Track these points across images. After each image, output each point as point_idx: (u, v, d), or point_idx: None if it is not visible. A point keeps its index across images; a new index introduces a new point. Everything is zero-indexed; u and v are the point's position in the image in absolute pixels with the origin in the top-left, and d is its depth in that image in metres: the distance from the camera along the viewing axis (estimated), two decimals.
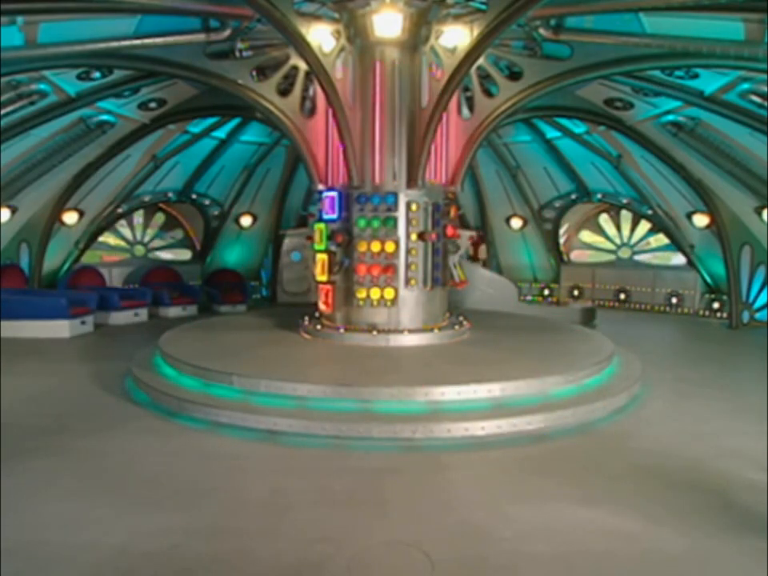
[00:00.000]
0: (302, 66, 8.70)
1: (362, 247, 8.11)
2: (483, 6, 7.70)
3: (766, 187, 10.72)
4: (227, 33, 8.66)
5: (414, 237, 8.15)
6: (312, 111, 9.07)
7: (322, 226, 8.45)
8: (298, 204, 15.66)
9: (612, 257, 15.47)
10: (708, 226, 12.62)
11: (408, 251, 8.14)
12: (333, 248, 8.32)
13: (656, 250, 14.92)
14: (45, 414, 6.23)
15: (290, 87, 8.97)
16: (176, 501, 4.21)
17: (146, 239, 15.47)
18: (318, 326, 8.46)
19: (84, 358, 9.05)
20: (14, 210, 11.50)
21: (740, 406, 6.59)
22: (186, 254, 15.88)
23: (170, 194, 14.49)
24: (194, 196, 14.80)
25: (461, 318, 8.93)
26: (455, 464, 4.93)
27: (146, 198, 14.21)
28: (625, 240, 15.27)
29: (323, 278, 8.40)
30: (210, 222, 15.41)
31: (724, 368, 8.57)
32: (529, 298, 15.23)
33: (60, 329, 10.44)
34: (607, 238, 15.59)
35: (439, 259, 8.36)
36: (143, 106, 11.02)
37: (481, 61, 8.31)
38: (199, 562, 3.45)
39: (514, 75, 9.10)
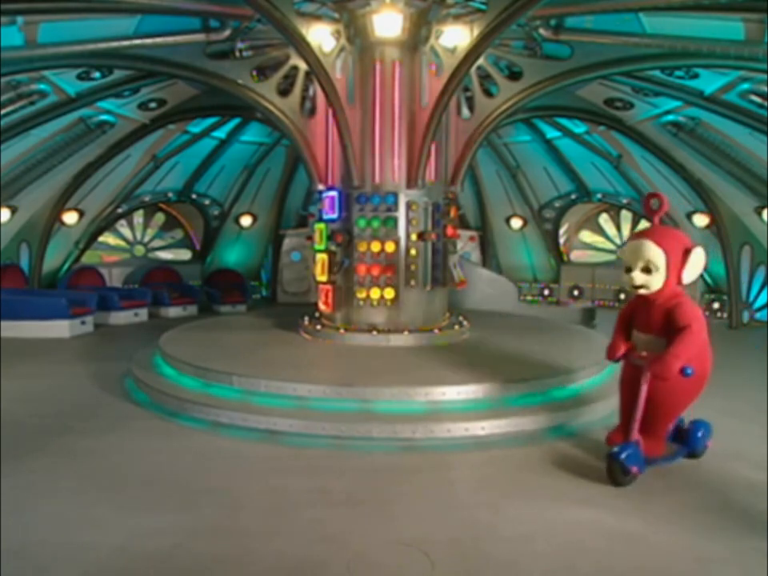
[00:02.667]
0: (302, 65, 8.69)
1: (362, 247, 8.11)
2: (483, 6, 7.70)
3: (765, 187, 10.72)
4: (227, 33, 8.66)
5: (414, 237, 8.15)
6: (312, 111, 9.07)
7: (322, 225, 8.45)
8: (297, 204, 15.67)
9: (612, 257, 15.47)
10: (708, 226, 12.62)
11: (408, 251, 8.14)
12: (333, 248, 8.32)
13: None
14: (45, 413, 6.22)
15: (290, 87, 8.97)
16: (176, 501, 4.21)
17: (146, 239, 15.48)
18: (318, 326, 8.46)
19: (84, 357, 9.05)
20: (13, 210, 11.51)
21: (740, 406, 6.58)
22: (186, 254, 15.90)
23: (170, 194, 14.51)
24: (194, 196, 14.82)
25: (461, 318, 8.93)
26: (455, 464, 4.92)
27: (146, 198, 14.23)
28: (625, 240, 15.27)
29: (323, 278, 8.40)
30: (210, 222, 15.42)
31: (723, 368, 8.50)
32: (529, 298, 15.24)
33: (60, 329, 10.44)
34: (607, 238, 15.60)
35: (439, 259, 8.36)
36: (143, 106, 11.03)
37: (481, 61, 8.31)
38: (199, 561, 3.45)
39: (514, 75, 9.10)
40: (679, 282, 4.51)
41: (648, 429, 4.62)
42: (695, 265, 4.53)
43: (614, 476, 4.38)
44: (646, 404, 4.54)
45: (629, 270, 4.56)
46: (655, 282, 4.47)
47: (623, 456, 4.36)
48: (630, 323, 4.89)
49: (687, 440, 4.87)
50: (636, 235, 4.81)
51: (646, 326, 4.66)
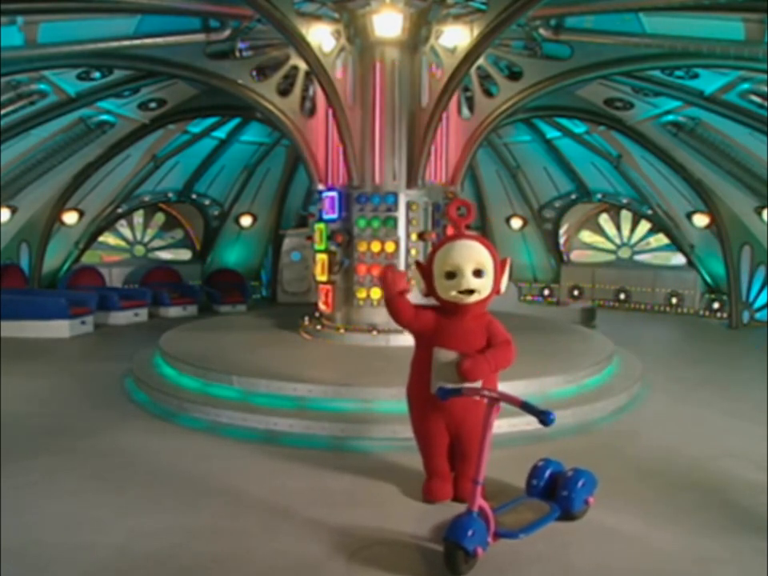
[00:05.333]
0: (302, 65, 8.70)
1: (362, 247, 8.11)
2: (483, 6, 7.70)
3: (766, 187, 10.73)
4: (227, 33, 8.67)
5: (414, 237, 8.16)
6: (312, 111, 9.08)
7: (322, 226, 8.46)
8: (298, 204, 15.67)
9: (612, 257, 15.49)
10: (708, 226, 12.63)
11: (408, 251, 8.14)
12: (333, 248, 8.32)
13: (656, 250, 14.94)
14: (45, 413, 6.23)
15: (289, 87, 8.97)
16: (176, 501, 4.21)
17: (146, 239, 15.48)
18: (318, 326, 8.46)
19: (84, 357, 9.06)
20: (14, 210, 11.51)
21: (740, 406, 6.58)
22: (186, 254, 15.90)
23: (170, 194, 14.50)
24: (194, 196, 14.81)
25: None
26: None
27: (146, 198, 14.23)
28: (625, 240, 15.29)
29: (323, 278, 8.41)
30: (210, 222, 15.42)
31: (724, 368, 8.56)
32: (529, 298, 15.25)
33: (60, 329, 10.44)
34: (607, 238, 15.61)
35: None
36: (143, 106, 11.03)
37: (481, 61, 8.32)
38: (199, 561, 3.45)
39: (514, 75, 9.11)
40: (497, 291, 4.12)
41: (470, 472, 3.77)
42: (507, 276, 4.17)
43: (455, 566, 3.26)
44: (462, 443, 4.08)
45: (451, 275, 3.97)
46: (486, 287, 4.01)
47: (467, 537, 3.23)
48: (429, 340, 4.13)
49: (563, 494, 3.86)
50: (451, 238, 4.17)
51: (459, 341, 4.01)
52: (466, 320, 4.06)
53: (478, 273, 3.97)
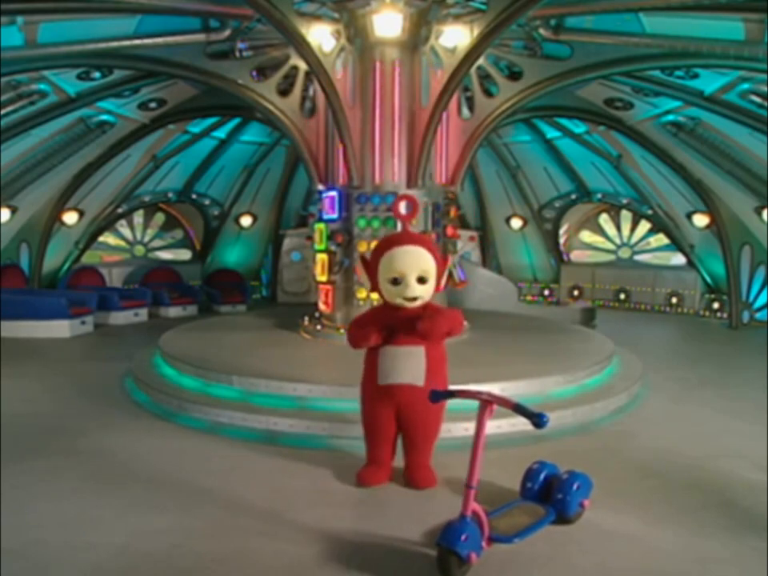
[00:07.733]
0: (302, 65, 8.70)
1: (362, 247, 8.10)
2: (483, 6, 7.70)
3: (766, 187, 10.72)
4: (227, 33, 8.66)
5: None
6: (312, 111, 9.08)
7: (322, 226, 8.46)
8: (298, 204, 15.68)
9: (612, 257, 15.49)
10: (708, 226, 12.63)
11: None
12: (333, 248, 8.32)
13: (656, 250, 14.94)
14: (45, 414, 6.23)
15: (289, 87, 8.97)
16: (176, 501, 4.21)
17: (146, 239, 15.48)
18: (318, 326, 8.46)
19: (84, 357, 9.06)
20: (14, 210, 11.51)
21: (740, 406, 6.59)
22: (186, 254, 15.90)
23: (170, 194, 14.50)
24: (194, 196, 14.82)
25: None
26: (455, 464, 4.89)
27: (146, 198, 14.23)
28: (625, 240, 15.29)
29: (323, 277, 8.41)
30: (210, 222, 15.43)
31: (724, 368, 8.56)
32: (528, 298, 15.25)
33: (60, 329, 10.45)
34: (607, 238, 15.61)
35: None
36: (143, 106, 11.03)
37: (481, 61, 8.32)
38: (199, 561, 3.45)
39: (514, 75, 9.11)
40: (438, 289, 4.29)
41: (418, 460, 4.40)
42: (447, 272, 4.33)
43: (448, 571, 3.19)
44: (409, 431, 4.36)
45: (396, 281, 4.10)
46: (429, 292, 4.20)
47: (461, 543, 3.17)
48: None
49: (558, 497, 3.80)
50: (396, 241, 4.25)
51: (403, 335, 4.17)
52: (408, 317, 4.16)
53: (421, 280, 4.12)
